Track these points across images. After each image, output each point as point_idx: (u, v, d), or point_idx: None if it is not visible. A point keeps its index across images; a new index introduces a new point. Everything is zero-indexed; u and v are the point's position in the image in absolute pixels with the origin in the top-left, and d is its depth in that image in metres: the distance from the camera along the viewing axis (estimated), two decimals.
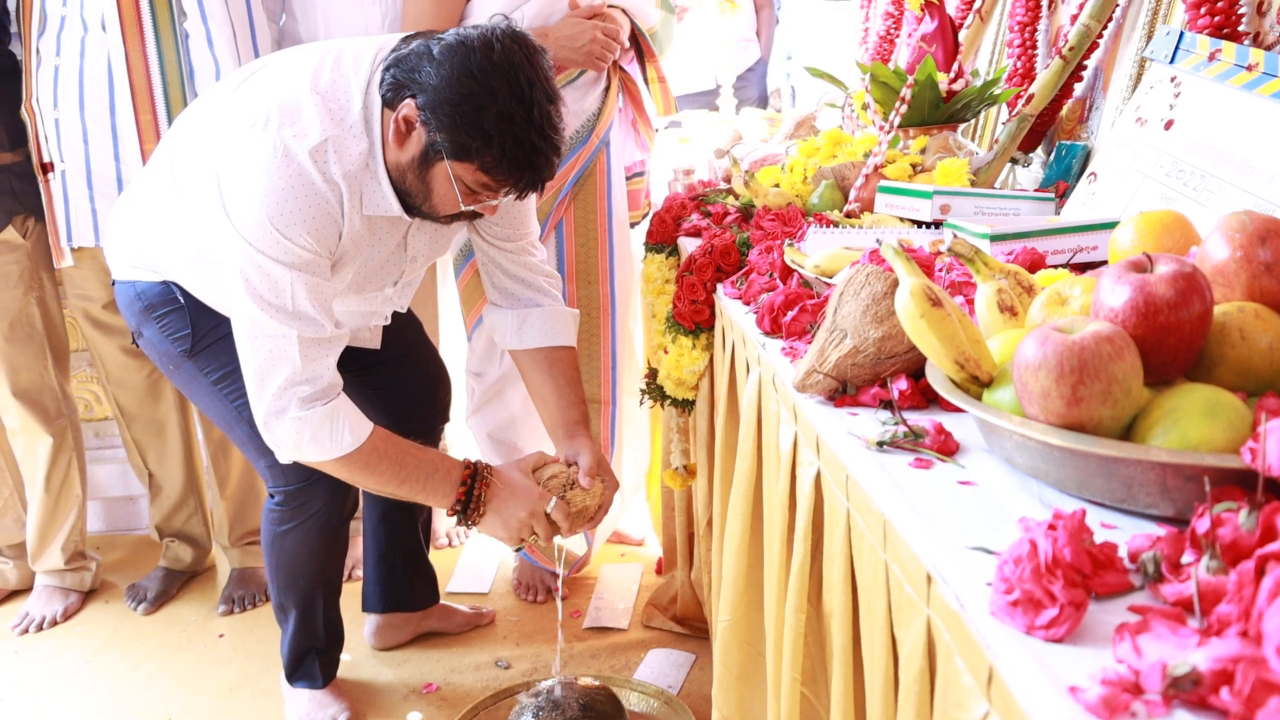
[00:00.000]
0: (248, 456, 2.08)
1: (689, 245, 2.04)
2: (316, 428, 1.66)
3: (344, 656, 2.38)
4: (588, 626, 2.62)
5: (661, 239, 2.15)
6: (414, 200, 1.69)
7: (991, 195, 1.72)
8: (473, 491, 1.79)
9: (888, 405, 1.11)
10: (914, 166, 1.92)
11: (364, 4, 2.46)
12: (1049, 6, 2.20)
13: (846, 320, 1.13)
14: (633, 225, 2.65)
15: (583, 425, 1.97)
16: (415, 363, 2.28)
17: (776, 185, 2.02)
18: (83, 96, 2.42)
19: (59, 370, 2.77)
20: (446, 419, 2.43)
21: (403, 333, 2.22)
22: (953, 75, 2.07)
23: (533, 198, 1.98)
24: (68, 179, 2.49)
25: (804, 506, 1.18)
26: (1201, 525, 0.74)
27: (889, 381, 1.12)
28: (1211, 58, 1.56)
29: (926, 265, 1.33)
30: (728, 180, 2.34)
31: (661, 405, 2.07)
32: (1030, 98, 1.99)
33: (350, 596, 2.52)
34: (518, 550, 1.92)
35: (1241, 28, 1.61)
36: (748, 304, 1.57)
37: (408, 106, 1.59)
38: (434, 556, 2.69)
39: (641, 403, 2.13)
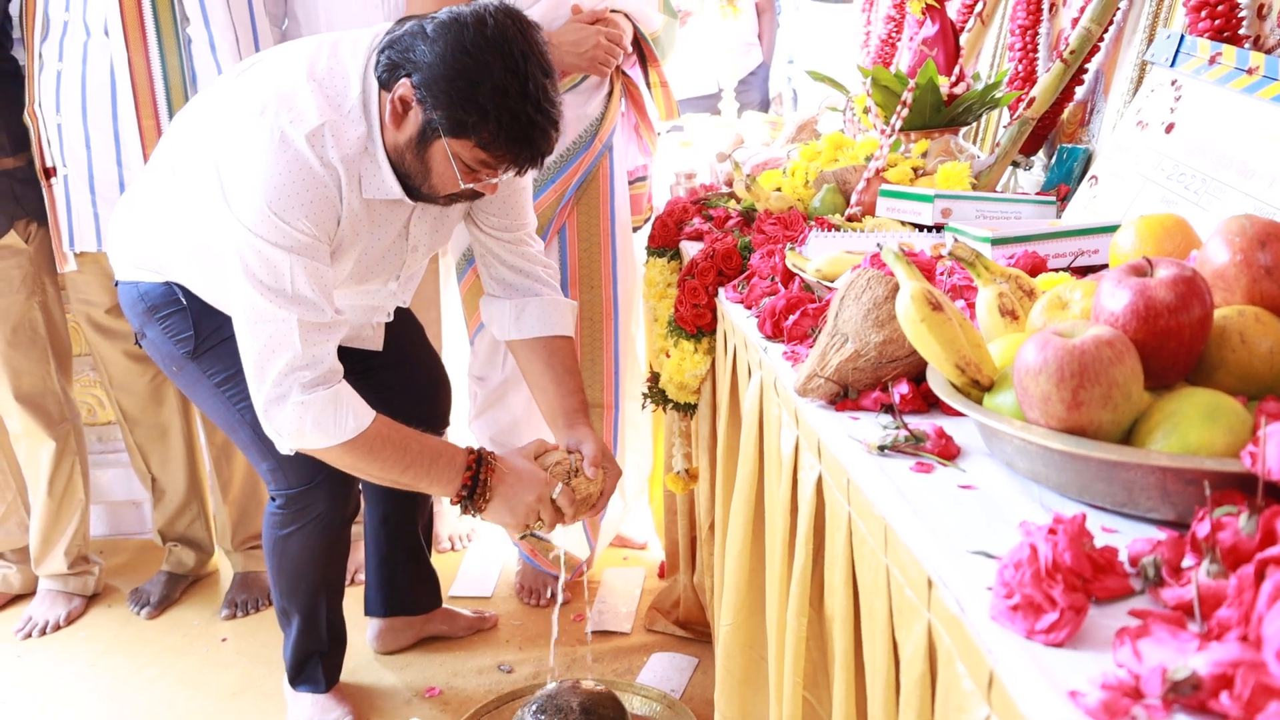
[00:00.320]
0: (250, 459, 2.08)
1: (691, 249, 2.04)
2: (319, 412, 1.64)
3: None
4: (591, 630, 2.62)
5: (663, 243, 2.16)
6: (414, 181, 1.68)
7: (993, 199, 1.72)
8: (478, 478, 1.77)
9: (889, 409, 1.11)
10: (915, 170, 1.92)
11: (366, 7, 2.47)
12: (1050, 10, 2.21)
13: (848, 324, 1.13)
14: (635, 229, 2.65)
15: (582, 414, 1.96)
16: (416, 366, 2.28)
17: (778, 189, 2.02)
18: (85, 101, 2.42)
19: (62, 375, 2.77)
20: (447, 424, 2.43)
21: (404, 336, 2.23)
22: (954, 79, 2.07)
23: (530, 189, 1.99)
24: (70, 184, 2.49)
25: (805, 510, 1.18)
26: (1202, 529, 0.74)
27: (890, 385, 1.12)
28: (1212, 61, 1.56)
29: (928, 269, 1.34)
30: (729, 184, 2.34)
31: (663, 409, 2.07)
32: (1031, 101, 1.99)
33: (353, 600, 2.52)
34: (523, 537, 1.89)
35: (1242, 31, 1.61)
36: (749, 308, 1.57)
37: (403, 86, 1.59)
38: (436, 561, 2.69)
39: (644, 406, 2.13)
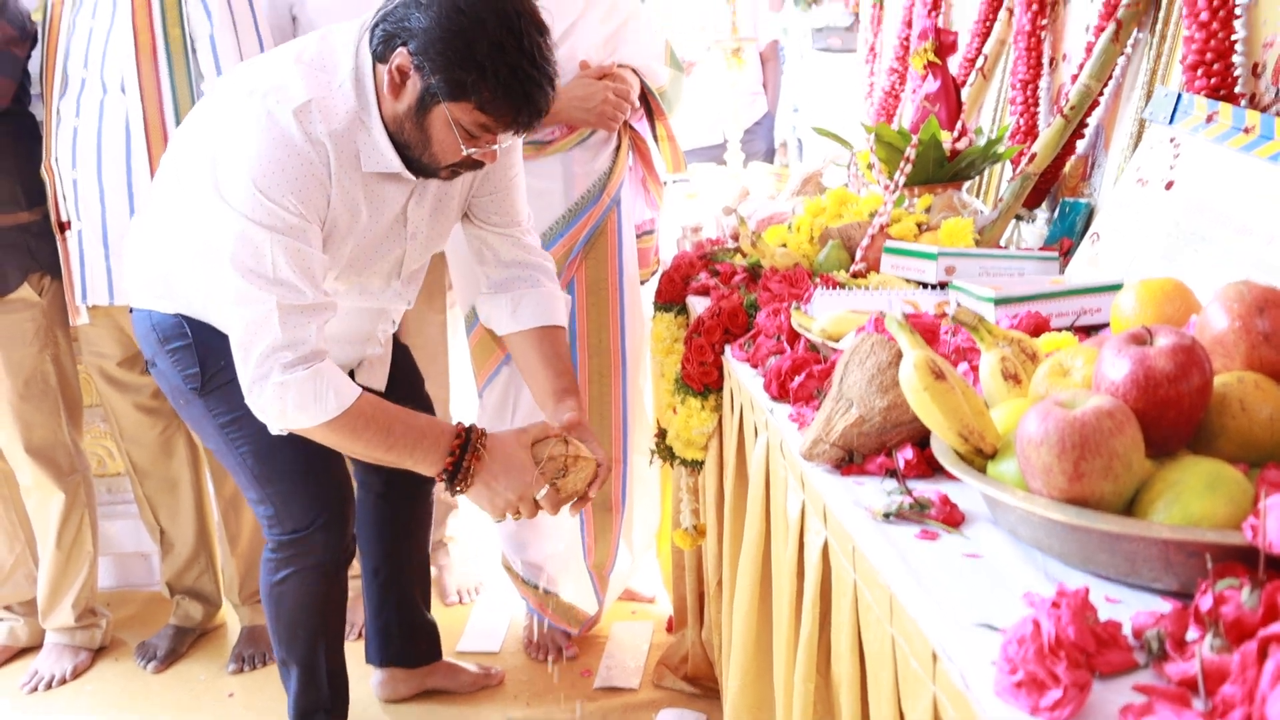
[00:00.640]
0: (249, 502, 2.09)
1: (697, 304, 2.05)
2: (300, 391, 1.64)
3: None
4: (599, 686, 2.61)
5: (670, 298, 2.17)
6: (413, 152, 1.68)
7: (996, 256, 1.74)
8: (461, 462, 1.75)
9: (894, 474, 1.12)
10: (919, 225, 1.94)
11: None
12: (1050, 65, 2.23)
13: (852, 389, 1.14)
14: (643, 282, 2.68)
15: (571, 394, 1.94)
16: (423, 406, 2.29)
17: (783, 245, 2.04)
18: (100, 156, 2.45)
19: (73, 426, 2.79)
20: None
21: (403, 384, 2.23)
22: (956, 134, 2.10)
23: (523, 186, 1.99)
24: (84, 237, 2.52)
25: (812, 575, 1.19)
26: (1205, 603, 0.75)
27: (895, 451, 1.13)
28: (1209, 119, 1.58)
29: (932, 329, 1.35)
30: (735, 238, 2.36)
31: (671, 464, 2.07)
32: (1033, 157, 2.01)
33: (358, 654, 2.52)
34: (499, 521, 1.86)
35: (1238, 89, 1.63)
36: (755, 367, 1.58)
37: (400, 56, 1.60)
38: (444, 614, 2.69)
39: (651, 462, 2.14)
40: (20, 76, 2.55)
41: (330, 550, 2.08)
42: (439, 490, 3.11)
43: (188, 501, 2.86)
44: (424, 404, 2.36)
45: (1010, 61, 2.33)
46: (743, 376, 1.62)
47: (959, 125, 2.13)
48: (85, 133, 2.46)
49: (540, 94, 1.61)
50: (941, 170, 2.06)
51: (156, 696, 2.70)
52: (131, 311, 2.01)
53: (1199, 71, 1.64)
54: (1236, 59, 1.63)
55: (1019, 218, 2.13)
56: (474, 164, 1.71)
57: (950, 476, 1.11)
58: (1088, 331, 1.50)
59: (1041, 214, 2.16)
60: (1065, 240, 1.92)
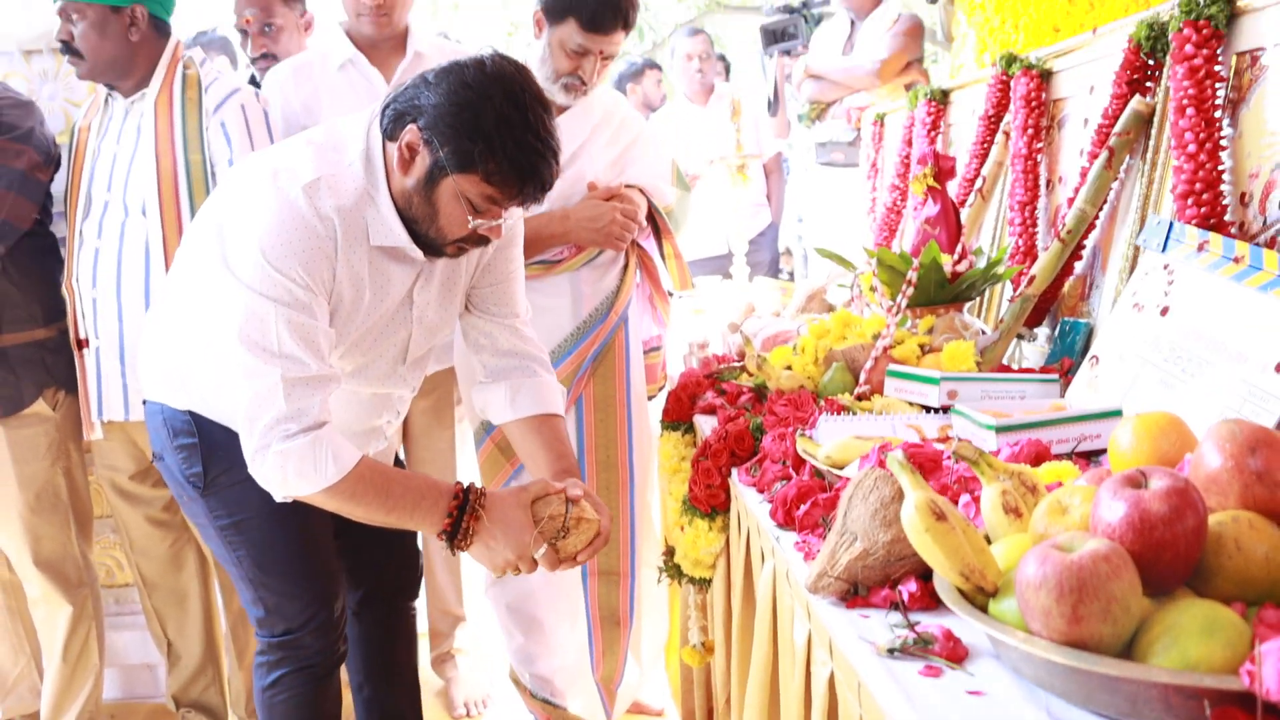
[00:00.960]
0: (243, 602, 2.09)
1: (704, 424, 2.09)
2: (300, 459, 1.66)
3: None
4: None
5: (677, 416, 2.21)
6: (421, 226, 1.72)
7: (997, 379, 1.77)
8: (459, 522, 1.75)
9: (898, 607, 1.14)
10: (922, 347, 1.98)
11: None
12: (1047, 187, 2.30)
13: (856, 523, 1.17)
14: (650, 398, 2.71)
15: (573, 473, 1.94)
16: (395, 543, 2.29)
17: (788, 367, 2.08)
18: (120, 277, 2.52)
19: (82, 539, 2.79)
20: (415, 595, 2.41)
21: None
22: (957, 256, 2.15)
23: (522, 280, 2.02)
24: (102, 355, 2.57)
25: (819, 705, 1.20)
26: None
27: (899, 583, 1.15)
28: (1200, 248, 1.63)
29: (934, 459, 1.38)
30: (741, 356, 2.40)
31: (679, 582, 2.08)
32: (1032, 279, 2.06)
33: None
34: (498, 577, 1.82)
35: (1228, 217, 1.68)
36: (762, 491, 1.61)
37: (410, 132, 1.65)
38: None
39: (660, 580, 2.15)
40: (42, 200, 2.62)
41: (322, 653, 2.08)
42: (449, 602, 3.12)
43: (196, 614, 2.86)
44: (401, 537, 2.35)
45: (1008, 183, 2.39)
46: (749, 500, 1.64)
47: (959, 248, 2.19)
48: (106, 253, 2.52)
49: (545, 167, 1.66)
50: (943, 292, 2.11)
51: None
52: (145, 404, 2.04)
53: (1189, 200, 1.70)
54: (1224, 188, 1.69)
55: (1020, 336, 2.17)
56: (480, 239, 1.75)
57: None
58: (1088, 457, 1.53)
59: (1042, 332, 2.20)
60: (1066, 360, 1.96)
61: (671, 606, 2.83)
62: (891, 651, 1.04)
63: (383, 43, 2.61)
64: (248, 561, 1.97)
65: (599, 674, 2.68)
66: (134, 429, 2.65)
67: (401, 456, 2.76)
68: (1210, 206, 1.67)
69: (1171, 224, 1.70)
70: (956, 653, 1.03)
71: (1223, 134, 1.69)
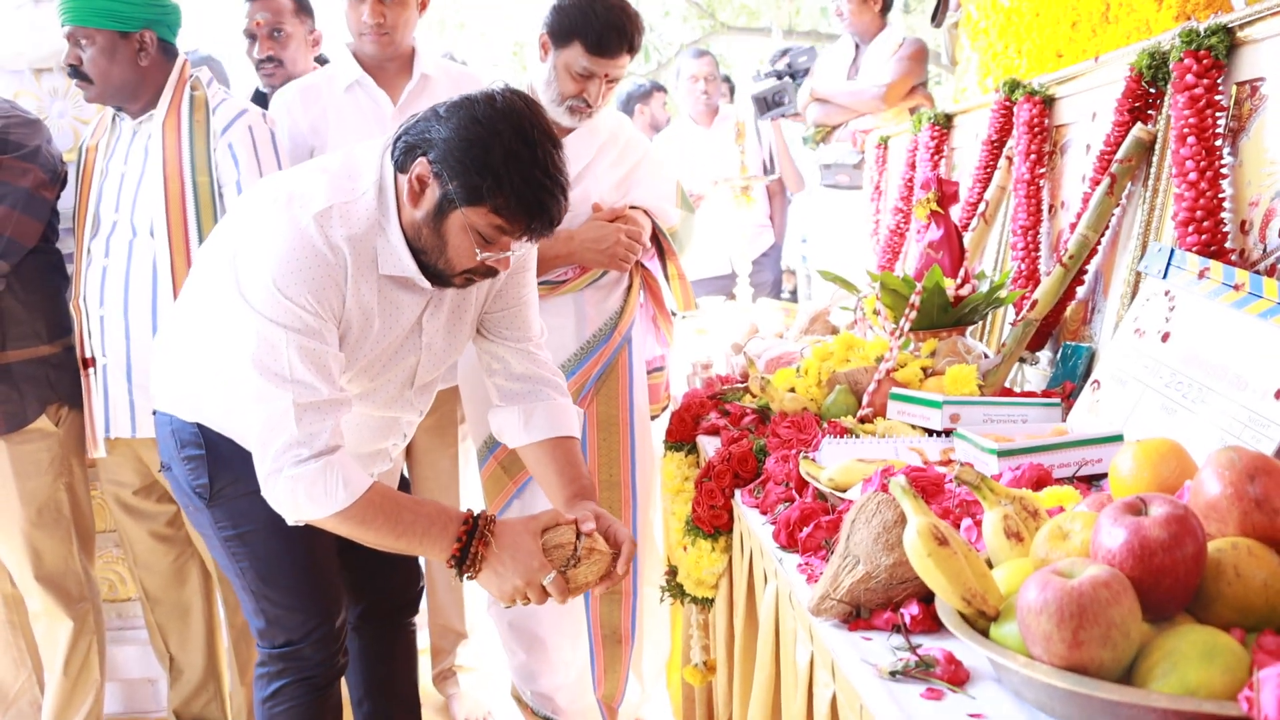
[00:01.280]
0: (244, 613, 2.11)
1: (708, 444, 2.10)
2: (310, 484, 1.68)
3: None
4: None
5: (680, 437, 2.22)
6: (429, 258, 1.74)
7: (999, 403, 1.79)
8: (468, 550, 1.76)
9: (900, 629, 1.15)
10: (924, 370, 1.99)
11: None
12: (1049, 212, 2.32)
13: (859, 547, 1.18)
14: (653, 418, 2.72)
15: (586, 497, 1.94)
16: (398, 560, 2.30)
17: (791, 389, 2.09)
18: (127, 296, 2.53)
19: (84, 554, 2.79)
20: (415, 611, 2.42)
21: None
22: (960, 281, 2.17)
23: (536, 303, 2.04)
24: (109, 373, 2.58)
25: None
26: None
27: (901, 606, 1.16)
28: (1201, 275, 1.64)
29: (936, 483, 1.39)
30: (744, 377, 2.42)
31: (681, 602, 2.09)
32: (1034, 304, 2.08)
33: None
34: (508, 608, 1.80)
35: (1228, 244, 1.70)
36: (765, 513, 1.62)
37: (420, 165, 1.67)
38: None
39: (662, 599, 2.16)
40: (48, 218, 2.62)
41: (322, 664, 2.08)
42: (451, 619, 3.13)
43: (198, 629, 2.87)
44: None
45: (1011, 208, 2.41)
46: (752, 522, 1.65)
47: (962, 272, 2.20)
48: (114, 273, 2.54)
49: (553, 202, 1.68)
50: (945, 315, 2.12)
51: None
52: (155, 414, 2.05)
53: (1190, 227, 1.71)
54: (1225, 216, 1.70)
55: (1022, 360, 2.19)
56: (488, 271, 1.76)
57: None
58: (1089, 481, 1.54)
59: (1044, 356, 2.21)
60: (1067, 384, 1.97)
61: (673, 625, 2.84)
62: (893, 674, 1.05)
63: (389, 64, 2.63)
64: (250, 573, 1.98)
65: (600, 692, 2.68)
66: (140, 445, 2.66)
67: (405, 475, 2.77)
68: (1211, 234, 1.69)
69: (1173, 251, 1.71)
70: (958, 676, 1.04)
71: (1223, 162, 1.70)
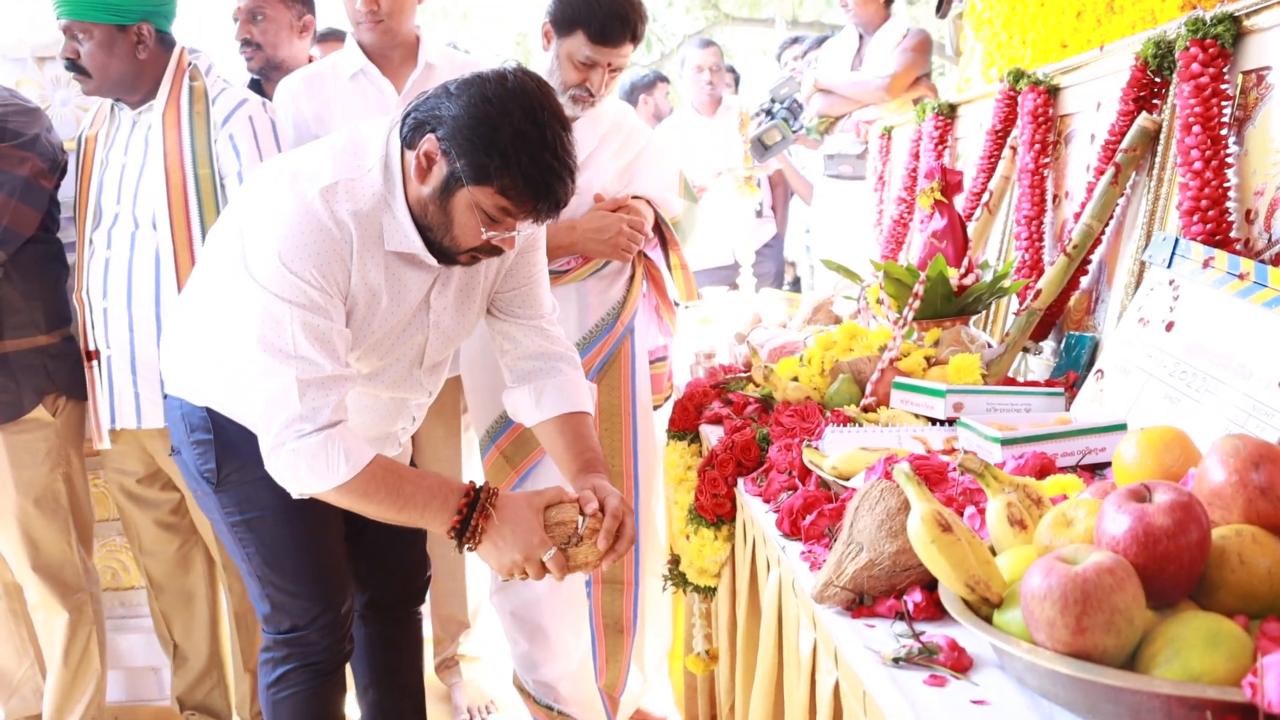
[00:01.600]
0: (250, 597, 2.11)
1: (710, 434, 2.10)
2: (312, 457, 1.68)
3: None
4: None
5: (683, 426, 2.22)
6: (435, 234, 1.74)
7: (1003, 392, 1.78)
8: (468, 522, 1.76)
9: (903, 617, 1.15)
10: (928, 359, 1.99)
11: None
12: (1053, 202, 2.31)
13: (862, 534, 1.18)
14: (656, 408, 2.72)
15: (595, 468, 1.93)
16: (404, 550, 2.31)
17: (795, 378, 2.09)
18: (130, 288, 2.53)
19: (82, 544, 2.78)
20: (422, 600, 2.42)
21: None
22: (963, 270, 2.16)
23: (546, 280, 2.04)
24: (113, 364, 2.58)
25: (824, 714, 1.21)
26: None
27: (904, 594, 1.16)
28: (1206, 264, 1.64)
29: (940, 471, 1.39)
30: (747, 367, 2.42)
31: (684, 591, 2.09)
32: (1038, 293, 2.07)
33: None
34: (505, 581, 1.79)
35: (1233, 234, 1.69)
36: (768, 502, 1.62)
37: (428, 141, 1.67)
38: None
39: (664, 588, 2.16)
40: (46, 207, 2.61)
41: (327, 650, 2.09)
42: (454, 608, 3.13)
43: (203, 616, 2.88)
44: (418, 539, 2.38)
45: (1015, 198, 2.41)
46: (755, 510, 1.65)
47: (966, 261, 2.20)
48: (116, 264, 2.53)
49: (560, 184, 1.67)
50: (949, 305, 2.12)
51: None
52: (165, 398, 2.06)
53: (1195, 217, 1.71)
54: (1230, 205, 1.70)
55: (1026, 350, 2.19)
56: (493, 249, 1.77)
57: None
58: (1093, 470, 1.54)
59: (1048, 345, 2.21)
60: (1071, 374, 1.97)
61: (675, 614, 2.85)
62: (897, 661, 1.05)
63: (393, 53, 2.63)
64: (257, 559, 1.99)
65: (602, 681, 2.69)
66: (144, 434, 2.66)
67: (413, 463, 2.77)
68: (1216, 223, 1.69)
69: (1177, 240, 1.71)
70: (961, 663, 1.04)
71: (1228, 152, 1.70)
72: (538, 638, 2.67)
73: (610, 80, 2.47)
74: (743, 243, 3.67)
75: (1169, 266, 1.71)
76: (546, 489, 1.84)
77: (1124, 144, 1.96)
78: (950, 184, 2.33)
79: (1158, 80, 1.94)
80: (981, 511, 1.26)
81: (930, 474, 1.38)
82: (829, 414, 1.87)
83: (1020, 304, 2.15)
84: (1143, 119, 1.93)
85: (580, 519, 1.76)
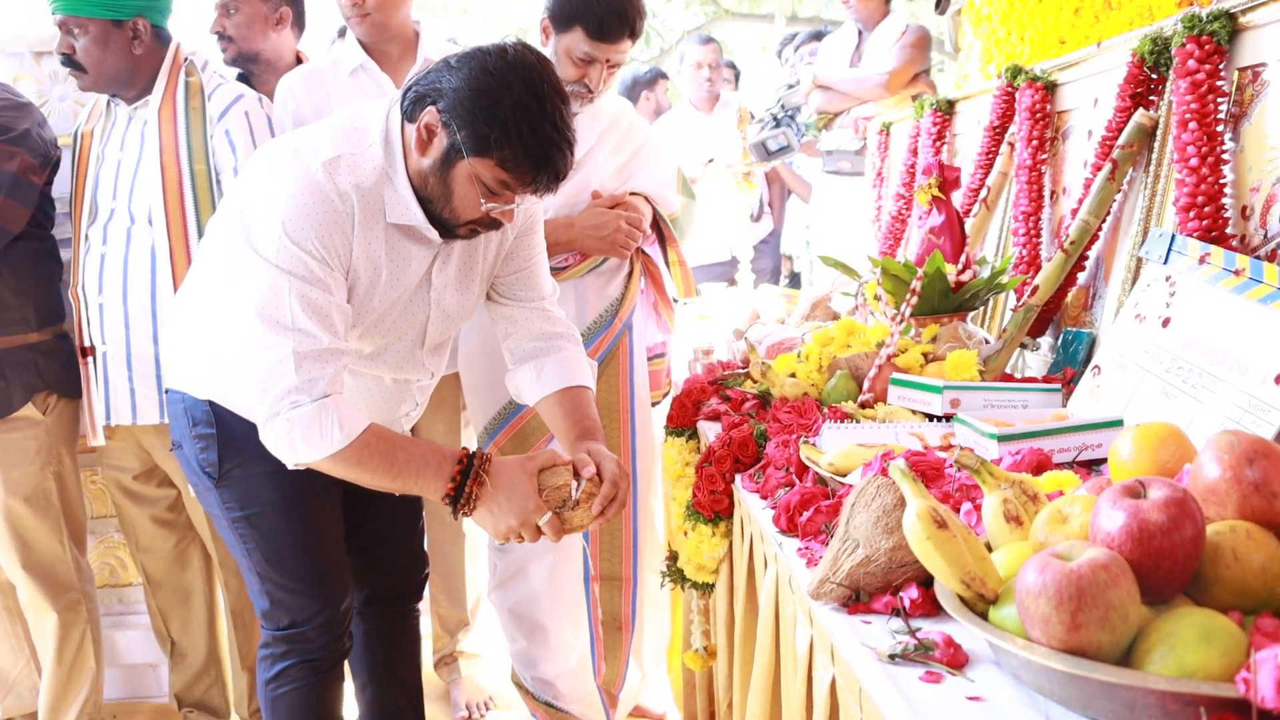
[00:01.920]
0: (249, 592, 2.12)
1: (708, 430, 2.10)
2: (306, 426, 1.69)
3: None
4: None
5: (681, 423, 2.22)
6: (435, 206, 1.75)
7: (1000, 389, 1.79)
8: (463, 488, 1.76)
9: (899, 613, 1.15)
10: (925, 355, 1.99)
11: None
12: (1051, 198, 2.31)
13: (859, 530, 1.18)
14: (654, 404, 2.73)
15: (592, 435, 1.94)
16: (408, 535, 2.33)
17: (792, 375, 2.09)
18: (126, 284, 2.53)
19: (74, 543, 2.77)
20: (419, 598, 2.43)
21: (394, 517, 2.27)
22: (961, 266, 2.17)
23: (545, 261, 2.05)
24: (109, 361, 2.57)
25: (821, 710, 1.21)
26: None
27: (900, 590, 1.17)
28: (1202, 260, 1.64)
29: (936, 467, 1.39)
30: (745, 363, 2.42)
31: (682, 587, 2.10)
32: (1035, 289, 2.08)
33: None
34: (501, 545, 1.80)
35: (1229, 230, 1.70)
36: (765, 498, 1.62)
37: (429, 114, 1.68)
38: None
39: (662, 585, 2.16)
40: (37, 203, 2.59)
41: (326, 647, 2.09)
42: (453, 605, 3.13)
43: (200, 612, 2.88)
44: (415, 541, 2.38)
45: (1013, 194, 2.41)
46: (752, 507, 1.66)
47: (963, 257, 2.20)
48: (112, 260, 2.53)
49: (559, 156, 1.69)
50: (946, 301, 2.12)
51: None
52: (167, 392, 2.06)
53: (1191, 213, 1.71)
54: (1226, 201, 1.70)
55: (1023, 346, 2.19)
56: (493, 222, 1.78)
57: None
58: (1089, 466, 1.54)
59: (1045, 341, 2.21)
60: (1068, 370, 1.97)
61: (674, 611, 2.85)
62: (893, 657, 1.05)
63: (392, 48, 2.62)
64: (257, 554, 2.00)
65: (601, 678, 2.69)
66: (141, 430, 2.67)
67: None
68: (1212, 219, 1.69)
69: (1173, 236, 1.71)
70: (957, 659, 1.04)
71: (1224, 148, 1.70)
72: (536, 635, 2.68)
73: (609, 76, 2.47)
74: (740, 239, 3.67)
75: (1165, 262, 1.72)
76: (539, 453, 1.84)
77: (1121, 140, 1.96)
78: (948, 180, 2.33)
79: (1155, 77, 1.94)
80: (978, 508, 1.26)
81: (927, 470, 1.38)
82: (826, 410, 1.87)
83: (1017, 300, 2.15)
84: (1140, 115, 1.94)
85: (575, 483, 1.77)
